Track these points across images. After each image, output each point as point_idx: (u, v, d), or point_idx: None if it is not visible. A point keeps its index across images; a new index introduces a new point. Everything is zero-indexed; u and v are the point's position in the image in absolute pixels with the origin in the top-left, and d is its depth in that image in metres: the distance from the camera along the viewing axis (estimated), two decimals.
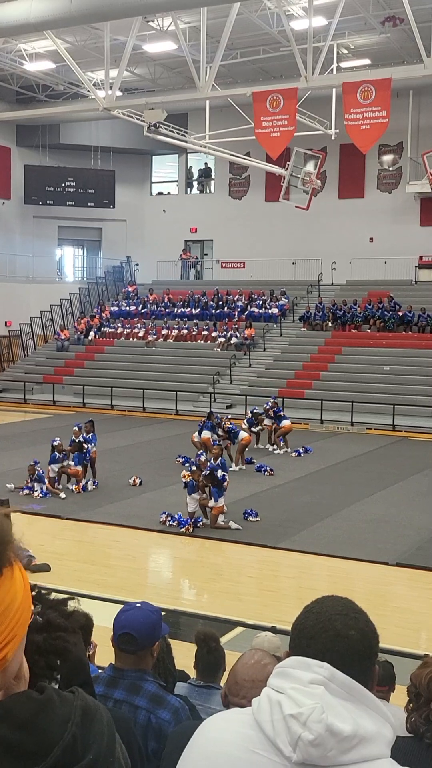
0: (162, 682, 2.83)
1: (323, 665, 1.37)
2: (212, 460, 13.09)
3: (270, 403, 19.41)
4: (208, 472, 12.62)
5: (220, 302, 30.19)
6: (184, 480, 12.37)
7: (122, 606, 2.91)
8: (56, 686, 1.13)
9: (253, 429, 18.40)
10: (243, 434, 16.86)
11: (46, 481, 14.34)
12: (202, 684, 3.92)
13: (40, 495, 14.06)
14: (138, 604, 2.82)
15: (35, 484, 14.24)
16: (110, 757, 1.07)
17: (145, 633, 2.69)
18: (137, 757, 2.34)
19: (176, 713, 2.69)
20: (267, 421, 18.91)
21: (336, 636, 1.41)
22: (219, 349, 27.68)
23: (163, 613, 2.94)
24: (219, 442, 15.84)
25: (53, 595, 1.28)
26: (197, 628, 4.31)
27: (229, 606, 9.37)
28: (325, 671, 1.36)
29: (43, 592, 1.25)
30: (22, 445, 18.70)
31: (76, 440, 15.14)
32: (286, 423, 18.67)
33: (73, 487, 14.49)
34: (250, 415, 18.93)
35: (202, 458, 13.37)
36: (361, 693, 1.35)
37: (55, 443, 14.90)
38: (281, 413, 18.97)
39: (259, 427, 18.71)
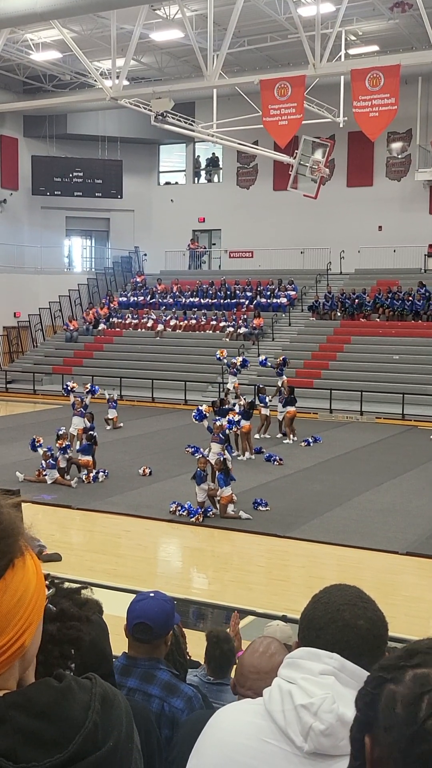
0: (175, 671, 2.84)
1: (333, 656, 1.37)
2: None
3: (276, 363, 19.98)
4: (222, 458, 12.71)
5: (228, 292, 30.17)
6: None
7: (135, 595, 2.92)
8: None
9: (264, 407, 18.46)
10: (243, 422, 16.76)
11: (56, 473, 14.45)
12: (213, 681, 3.95)
13: (49, 482, 14.26)
14: (151, 594, 2.83)
15: (48, 470, 14.39)
16: (129, 744, 1.08)
17: (160, 622, 2.70)
18: (155, 747, 2.34)
19: (189, 701, 2.71)
20: (280, 408, 19.01)
21: (345, 627, 1.41)
22: (228, 339, 27.65)
23: (174, 602, 2.94)
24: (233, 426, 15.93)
25: (66, 585, 1.29)
26: (210, 628, 4.32)
27: (238, 595, 9.40)
28: (335, 662, 1.37)
29: (56, 581, 1.26)
30: (32, 435, 18.74)
31: (91, 433, 15.39)
32: (290, 409, 18.61)
33: (84, 477, 14.56)
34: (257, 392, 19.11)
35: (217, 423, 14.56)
36: None
37: (60, 432, 15.13)
38: (291, 396, 18.87)
39: (270, 399, 18.83)
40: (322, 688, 1.34)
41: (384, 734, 0.95)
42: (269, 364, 21.28)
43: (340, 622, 1.42)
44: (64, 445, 14.73)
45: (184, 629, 3.85)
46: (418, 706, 0.93)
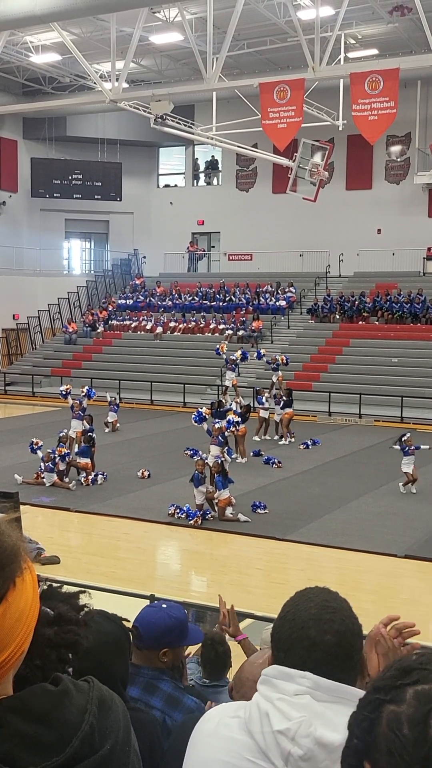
0: (180, 683, 2.77)
1: (305, 675, 1.35)
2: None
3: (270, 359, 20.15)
4: (221, 461, 12.71)
5: (226, 295, 30.18)
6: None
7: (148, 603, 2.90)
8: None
9: (263, 409, 18.52)
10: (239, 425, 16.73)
11: (55, 475, 14.41)
12: (209, 683, 3.93)
13: (48, 484, 14.24)
14: (164, 605, 2.77)
15: (47, 473, 14.37)
16: (126, 747, 1.08)
17: (149, 633, 2.62)
18: (158, 759, 2.31)
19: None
20: (277, 409, 19.06)
21: (311, 645, 1.38)
22: (227, 342, 27.64)
23: (185, 621, 2.85)
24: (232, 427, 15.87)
25: (65, 588, 1.29)
26: (204, 631, 4.29)
27: (237, 598, 9.36)
28: (308, 681, 1.35)
29: (54, 585, 1.26)
30: (30, 438, 18.73)
31: (90, 435, 15.42)
32: (288, 410, 18.74)
33: (82, 479, 14.54)
34: (257, 394, 19.18)
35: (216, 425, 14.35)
36: (349, 692, 1.34)
37: (61, 435, 15.15)
38: (290, 398, 18.97)
39: (266, 399, 18.94)
40: (298, 709, 1.32)
41: (388, 758, 0.90)
42: (264, 357, 21.34)
43: (306, 642, 1.38)
44: (63, 453, 14.64)
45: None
46: (426, 725, 0.88)
